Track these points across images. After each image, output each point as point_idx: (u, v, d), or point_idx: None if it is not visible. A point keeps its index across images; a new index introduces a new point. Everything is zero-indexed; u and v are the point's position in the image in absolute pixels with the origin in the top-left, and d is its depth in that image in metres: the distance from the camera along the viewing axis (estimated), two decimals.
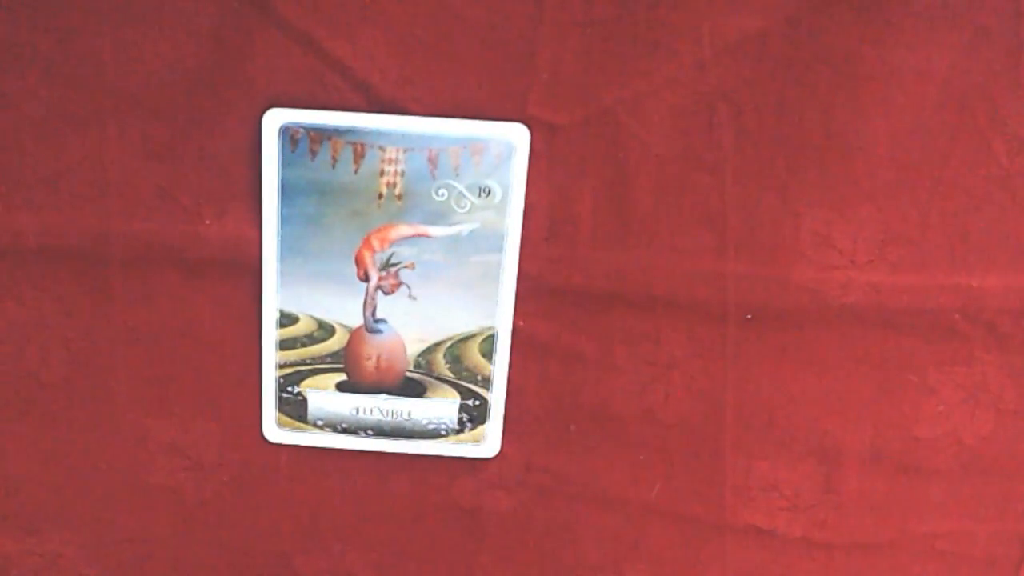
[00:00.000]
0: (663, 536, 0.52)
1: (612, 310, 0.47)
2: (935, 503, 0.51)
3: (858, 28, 0.42)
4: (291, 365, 0.48)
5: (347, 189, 0.44)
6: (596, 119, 0.44)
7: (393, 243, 0.45)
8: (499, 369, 0.48)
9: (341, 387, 0.48)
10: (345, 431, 0.49)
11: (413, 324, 0.47)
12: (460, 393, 0.48)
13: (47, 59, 0.43)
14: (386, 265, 0.46)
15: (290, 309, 0.46)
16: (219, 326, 0.47)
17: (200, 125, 0.44)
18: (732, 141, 0.44)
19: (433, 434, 0.49)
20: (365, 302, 0.46)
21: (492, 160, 0.44)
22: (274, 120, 0.43)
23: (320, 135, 0.43)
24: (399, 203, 0.44)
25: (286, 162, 0.44)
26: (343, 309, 0.46)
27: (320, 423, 0.49)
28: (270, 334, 0.47)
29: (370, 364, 0.48)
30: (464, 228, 0.45)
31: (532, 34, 0.42)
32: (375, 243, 0.45)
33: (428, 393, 0.48)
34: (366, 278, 0.46)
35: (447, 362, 0.48)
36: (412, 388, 0.48)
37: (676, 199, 0.45)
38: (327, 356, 0.47)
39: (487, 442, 0.49)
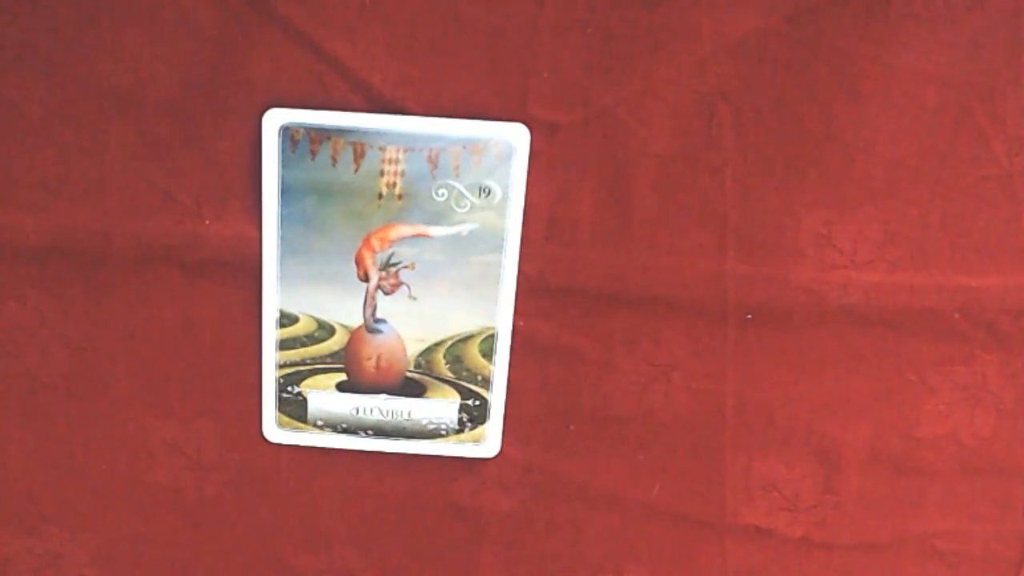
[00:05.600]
0: (663, 536, 0.52)
1: (612, 310, 0.47)
2: (935, 503, 0.51)
3: (858, 28, 0.42)
4: (291, 365, 0.48)
5: (347, 189, 0.44)
6: (596, 119, 0.44)
7: (393, 243, 0.45)
8: (499, 369, 0.48)
9: (341, 387, 0.48)
10: (345, 431, 0.49)
11: (413, 324, 0.47)
12: (460, 393, 0.48)
13: (47, 59, 0.43)
14: (386, 265, 0.46)
15: (290, 309, 0.46)
16: (219, 326, 0.47)
17: (200, 125, 0.44)
18: (732, 141, 0.44)
19: (433, 434, 0.49)
20: (365, 302, 0.46)
21: (492, 160, 0.44)
22: (274, 120, 0.43)
23: (320, 135, 0.43)
24: (399, 203, 0.44)
25: (286, 162, 0.44)
26: (343, 309, 0.46)
27: (320, 423, 0.49)
28: (270, 334, 0.47)
29: (370, 364, 0.48)
30: (464, 228, 0.45)
31: (532, 34, 0.42)
32: (375, 243, 0.45)
33: (428, 393, 0.48)
34: (366, 278, 0.46)
35: (447, 362, 0.48)
36: (412, 388, 0.48)
37: (676, 199, 0.45)
38: (327, 356, 0.47)
39: (487, 442, 0.49)
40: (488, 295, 0.46)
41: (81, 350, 0.48)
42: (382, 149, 0.44)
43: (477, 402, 0.48)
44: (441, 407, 0.48)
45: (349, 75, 0.43)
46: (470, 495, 0.51)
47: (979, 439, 0.49)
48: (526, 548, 0.52)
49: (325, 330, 0.47)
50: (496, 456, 0.50)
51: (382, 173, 0.44)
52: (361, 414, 0.49)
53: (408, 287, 0.46)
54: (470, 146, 0.44)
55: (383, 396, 0.48)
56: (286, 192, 0.44)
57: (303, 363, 0.48)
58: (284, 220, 0.45)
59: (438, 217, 0.45)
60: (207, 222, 0.45)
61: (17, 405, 0.49)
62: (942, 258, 0.46)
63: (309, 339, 0.47)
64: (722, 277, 0.46)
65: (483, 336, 0.47)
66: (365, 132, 0.43)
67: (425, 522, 0.51)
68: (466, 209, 0.45)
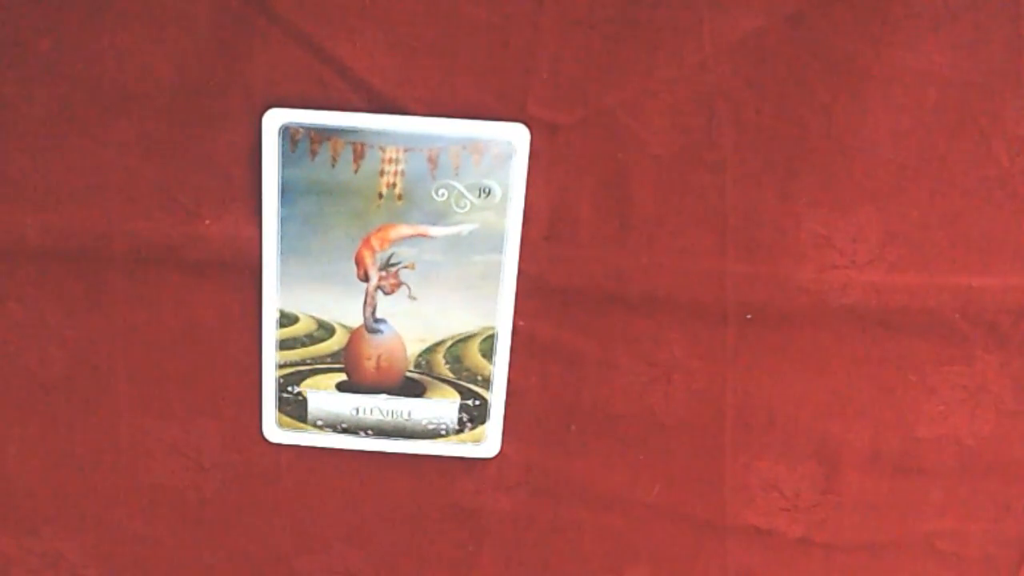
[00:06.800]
0: (663, 536, 0.52)
1: (612, 310, 0.47)
2: (935, 503, 0.51)
3: (858, 28, 0.42)
4: (291, 365, 0.48)
5: (347, 189, 0.44)
6: (596, 119, 0.44)
7: (393, 243, 0.45)
8: (499, 369, 0.48)
9: (341, 387, 0.48)
10: (345, 431, 0.49)
11: (413, 324, 0.47)
12: (460, 393, 0.48)
13: (47, 59, 0.43)
14: (386, 265, 0.46)
15: (290, 309, 0.46)
16: (219, 326, 0.47)
17: (200, 125, 0.44)
18: (732, 141, 0.44)
19: (433, 434, 0.49)
20: (365, 302, 0.46)
21: (492, 160, 0.44)
22: (274, 120, 0.43)
23: (320, 135, 0.43)
24: (399, 203, 0.44)
25: (286, 162, 0.44)
26: (343, 309, 0.46)
27: (320, 423, 0.49)
28: (270, 334, 0.47)
29: (370, 364, 0.48)
30: (464, 228, 0.45)
31: (532, 34, 0.42)
32: (375, 243, 0.45)
33: (428, 393, 0.48)
34: (366, 278, 0.46)
35: (447, 362, 0.48)
36: (412, 388, 0.48)
37: (676, 199, 0.45)
38: (327, 356, 0.47)
39: (487, 442, 0.49)
40: (488, 295, 0.46)
41: (81, 350, 0.48)
42: (382, 149, 0.44)
43: (477, 402, 0.48)
44: (441, 407, 0.48)
45: (349, 75, 0.43)
46: (470, 495, 0.51)
47: (979, 439, 0.49)
48: (526, 548, 0.52)
49: (325, 330, 0.47)
50: (496, 456, 0.50)
51: (382, 173, 0.44)
52: (361, 414, 0.49)
53: (408, 287, 0.46)
54: (470, 146, 0.44)
55: (383, 396, 0.48)
56: (286, 192, 0.44)
57: (303, 363, 0.48)
58: (284, 220, 0.45)
59: (438, 217, 0.45)
60: (207, 222, 0.45)
61: (17, 405, 0.49)
62: (942, 258, 0.46)
63: (309, 339, 0.47)
64: (722, 277, 0.46)
65: (483, 336, 0.47)
66: (365, 132, 0.43)
67: (425, 522, 0.51)
68: (466, 209, 0.45)
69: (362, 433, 0.49)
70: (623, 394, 0.49)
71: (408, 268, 0.46)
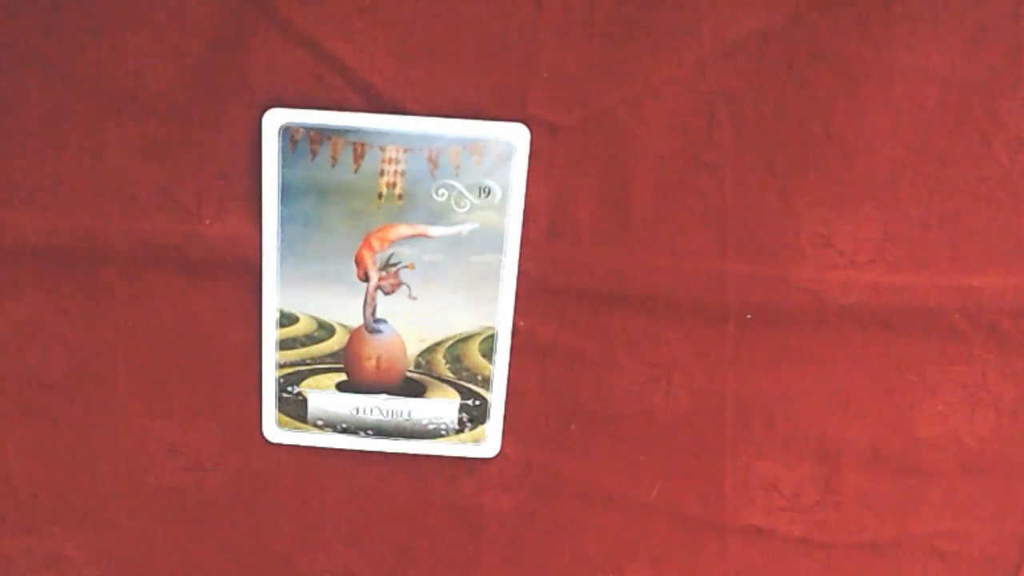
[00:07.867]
0: (663, 536, 0.52)
1: (612, 310, 0.47)
2: (935, 503, 0.51)
3: (858, 28, 0.42)
4: (291, 365, 0.48)
5: (347, 189, 0.44)
6: (596, 119, 0.44)
7: (393, 243, 0.45)
8: (499, 369, 0.48)
9: (341, 387, 0.48)
10: (345, 431, 0.49)
11: (413, 324, 0.47)
12: (460, 393, 0.48)
13: (47, 59, 0.43)
14: (386, 265, 0.46)
15: (290, 309, 0.46)
16: (219, 326, 0.47)
17: (200, 125, 0.44)
18: (732, 141, 0.44)
19: (433, 434, 0.49)
20: (365, 302, 0.46)
21: (492, 160, 0.44)
22: (274, 120, 0.43)
23: (320, 135, 0.43)
24: (399, 203, 0.44)
25: (286, 162, 0.44)
26: (343, 309, 0.46)
27: (320, 423, 0.49)
28: (270, 334, 0.47)
29: (370, 364, 0.48)
30: (464, 228, 0.45)
31: (532, 34, 0.42)
32: (375, 243, 0.45)
33: (428, 393, 0.48)
34: (366, 278, 0.46)
35: (447, 362, 0.48)
36: (412, 388, 0.48)
37: (676, 199, 0.45)
38: (327, 356, 0.47)
39: (487, 442, 0.49)
40: (488, 295, 0.46)
41: (81, 350, 0.48)
42: (382, 149, 0.44)
43: (477, 402, 0.48)
44: (441, 407, 0.48)
45: (349, 75, 0.43)
46: (470, 495, 0.51)
47: (979, 439, 0.49)
48: (526, 548, 0.52)
49: (325, 330, 0.47)
50: (496, 456, 0.50)
51: (382, 173, 0.44)
52: (361, 414, 0.49)
53: (408, 287, 0.46)
54: (470, 146, 0.44)
55: (383, 396, 0.48)
56: (286, 192, 0.44)
57: (303, 363, 0.48)
58: (284, 220, 0.45)
59: (438, 217, 0.45)
60: (207, 222, 0.45)
61: (17, 405, 0.49)
62: (942, 258, 0.46)
63: (309, 339, 0.47)
64: (722, 277, 0.46)
65: (483, 336, 0.47)
66: (365, 132, 0.43)
67: (425, 522, 0.51)
68: (466, 209, 0.45)
69: (362, 433, 0.49)
70: (623, 394, 0.49)
71: (408, 268, 0.46)
